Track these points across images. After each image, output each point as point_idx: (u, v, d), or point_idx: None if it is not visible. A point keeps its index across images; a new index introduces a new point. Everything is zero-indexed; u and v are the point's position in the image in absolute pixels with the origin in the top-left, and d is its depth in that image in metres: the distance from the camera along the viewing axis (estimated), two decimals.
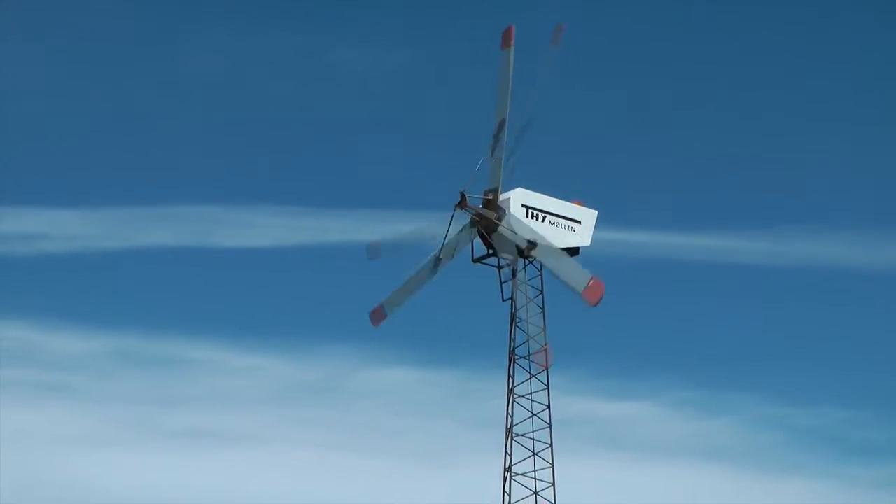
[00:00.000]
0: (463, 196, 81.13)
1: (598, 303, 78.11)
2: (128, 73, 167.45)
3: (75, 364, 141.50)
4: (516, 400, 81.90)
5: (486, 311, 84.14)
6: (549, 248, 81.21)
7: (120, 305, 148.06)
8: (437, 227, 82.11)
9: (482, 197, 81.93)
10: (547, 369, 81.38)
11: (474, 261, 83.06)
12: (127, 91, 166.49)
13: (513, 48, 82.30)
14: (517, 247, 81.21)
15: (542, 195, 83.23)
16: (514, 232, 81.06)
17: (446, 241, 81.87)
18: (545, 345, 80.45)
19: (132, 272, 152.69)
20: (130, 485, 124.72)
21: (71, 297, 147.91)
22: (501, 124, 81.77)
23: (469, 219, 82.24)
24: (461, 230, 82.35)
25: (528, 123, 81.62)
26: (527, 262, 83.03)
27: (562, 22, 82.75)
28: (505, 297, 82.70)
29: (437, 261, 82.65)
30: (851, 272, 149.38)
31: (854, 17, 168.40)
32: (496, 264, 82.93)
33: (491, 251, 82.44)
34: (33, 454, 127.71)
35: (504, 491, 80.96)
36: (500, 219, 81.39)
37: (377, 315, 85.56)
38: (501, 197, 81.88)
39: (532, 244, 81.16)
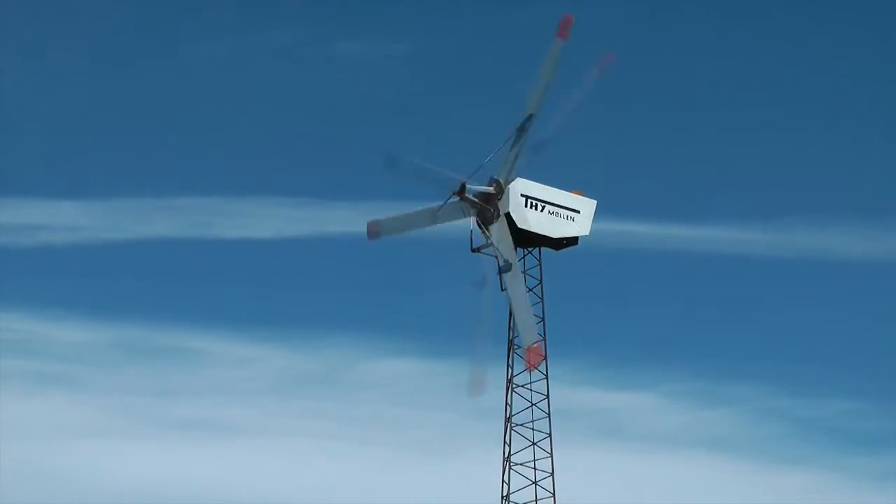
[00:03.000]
0: (463, 186, 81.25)
1: (534, 368, 79.05)
2: (129, 65, 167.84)
3: (77, 355, 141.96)
4: (515, 390, 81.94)
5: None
6: (518, 284, 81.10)
7: (121, 296, 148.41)
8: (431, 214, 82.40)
9: (484, 189, 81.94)
10: (546, 361, 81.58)
11: (473, 250, 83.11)
12: (128, 83, 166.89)
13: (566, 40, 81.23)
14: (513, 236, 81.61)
15: (541, 185, 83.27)
16: (496, 249, 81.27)
17: (448, 202, 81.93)
18: (537, 342, 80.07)
19: (133, 263, 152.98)
20: (132, 475, 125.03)
21: (72, 288, 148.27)
22: (530, 117, 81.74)
23: (474, 217, 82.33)
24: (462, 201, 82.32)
25: (543, 143, 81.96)
26: (526, 251, 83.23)
27: (568, 13, 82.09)
28: (504, 287, 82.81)
29: (435, 216, 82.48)
30: (852, 263, 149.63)
31: (853, 16, 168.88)
32: (495, 254, 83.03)
33: (490, 241, 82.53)
34: (35, 445, 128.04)
35: (503, 481, 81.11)
36: (493, 218, 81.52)
37: (374, 229, 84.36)
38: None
39: (507, 266, 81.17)
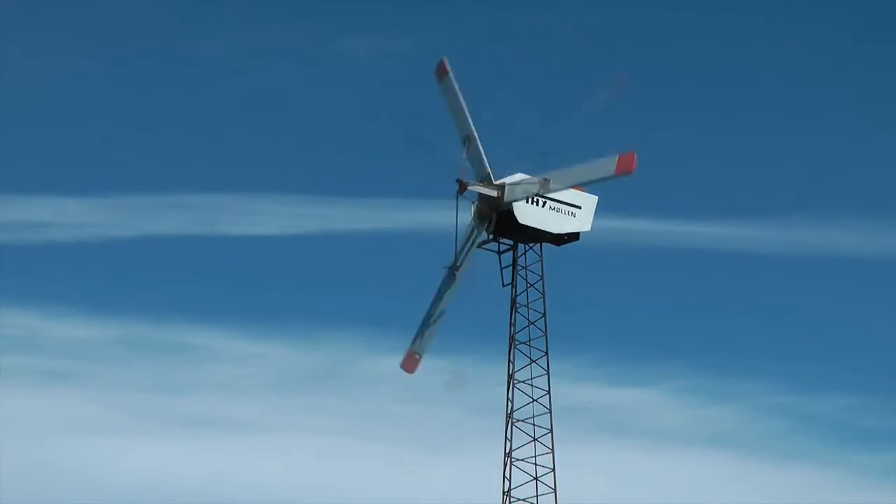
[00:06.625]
0: (464, 183, 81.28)
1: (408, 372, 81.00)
2: (133, 63, 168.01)
3: (81, 351, 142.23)
4: (517, 385, 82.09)
5: (487, 296, 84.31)
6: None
7: (126, 293, 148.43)
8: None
9: (485, 185, 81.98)
10: (548, 357, 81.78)
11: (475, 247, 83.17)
12: (133, 80, 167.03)
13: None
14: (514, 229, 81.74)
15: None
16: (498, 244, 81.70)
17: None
18: (417, 354, 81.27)
19: (138, 260, 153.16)
20: (135, 471, 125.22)
21: (77, 285, 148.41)
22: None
23: (474, 211, 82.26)
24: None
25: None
26: (527, 247, 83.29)
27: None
28: (505, 283, 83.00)
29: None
30: (856, 260, 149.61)
31: (857, 15, 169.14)
32: (497, 249, 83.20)
33: (491, 236, 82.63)
34: (39, 441, 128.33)
35: (504, 476, 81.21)
36: (494, 214, 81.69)
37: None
38: (502, 181, 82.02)
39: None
